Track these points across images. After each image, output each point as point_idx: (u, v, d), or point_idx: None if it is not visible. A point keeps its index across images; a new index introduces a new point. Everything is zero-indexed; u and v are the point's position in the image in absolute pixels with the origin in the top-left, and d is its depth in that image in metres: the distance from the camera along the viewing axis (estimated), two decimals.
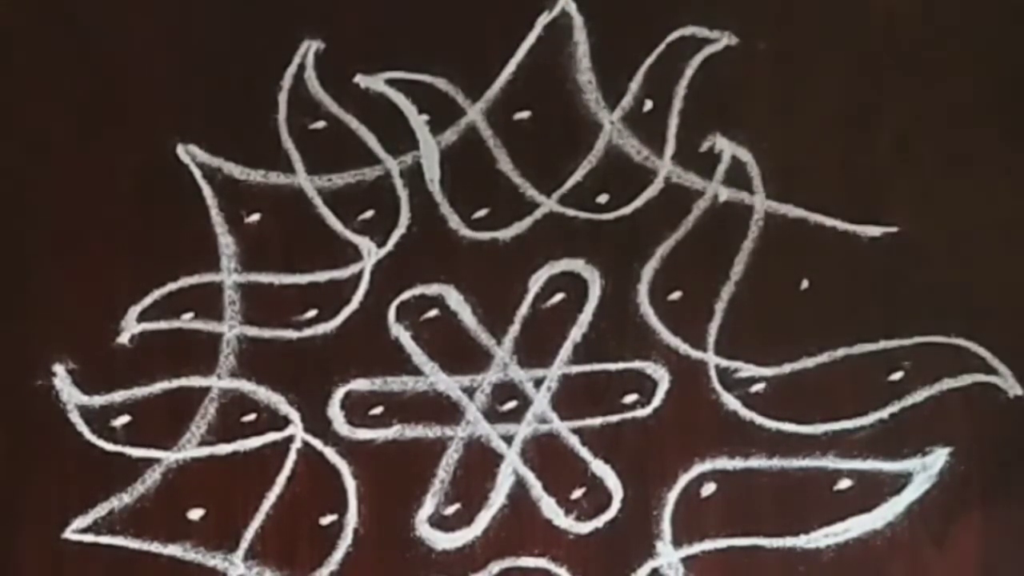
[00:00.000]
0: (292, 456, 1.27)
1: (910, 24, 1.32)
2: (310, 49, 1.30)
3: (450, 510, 1.26)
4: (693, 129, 1.30)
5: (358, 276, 1.29)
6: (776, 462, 1.26)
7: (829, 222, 1.29)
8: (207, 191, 1.29)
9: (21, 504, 1.26)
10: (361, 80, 1.31)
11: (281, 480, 1.26)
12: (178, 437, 1.26)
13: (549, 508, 1.26)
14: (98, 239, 1.29)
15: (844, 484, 1.26)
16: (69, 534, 1.26)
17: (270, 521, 1.26)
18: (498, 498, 1.26)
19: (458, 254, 1.29)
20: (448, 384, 1.28)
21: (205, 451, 1.26)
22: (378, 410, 1.27)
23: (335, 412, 1.27)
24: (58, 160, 1.30)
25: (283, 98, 1.30)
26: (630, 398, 1.28)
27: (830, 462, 1.26)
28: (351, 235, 1.29)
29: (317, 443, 1.27)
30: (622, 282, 1.29)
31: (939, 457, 1.26)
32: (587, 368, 1.28)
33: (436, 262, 1.29)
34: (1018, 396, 1.28)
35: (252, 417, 1.27)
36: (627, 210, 1.29)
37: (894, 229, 1.29)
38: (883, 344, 1.28)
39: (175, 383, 1.27)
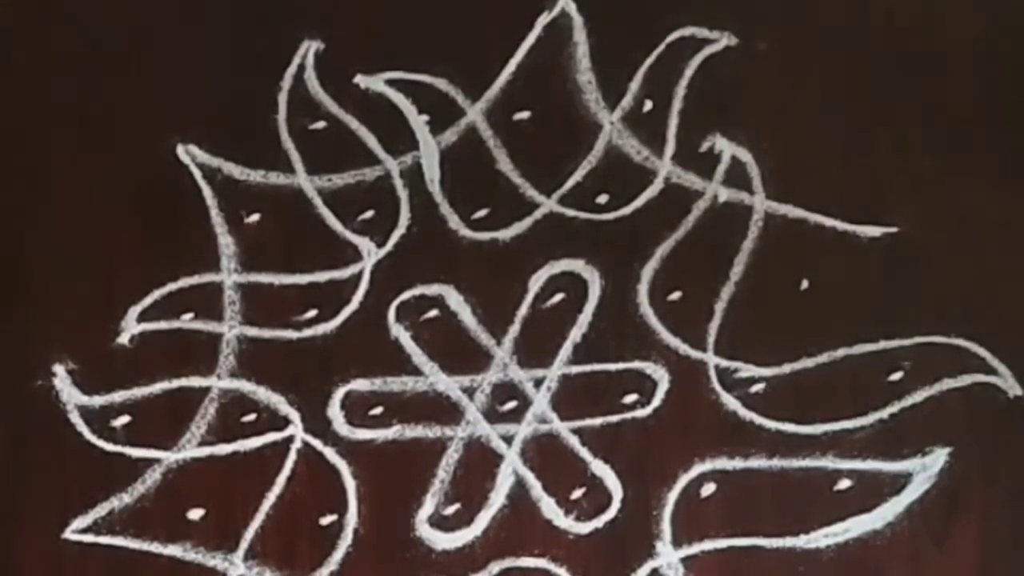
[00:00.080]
0: (292, 456, 1.26)
1: (910, 24, 1.32)
2: (310, 49, 1.30)
3: (450, 510, 1.26)
4: (693, 129, 1.30)
5: (358, 276, 1.29)
6: (776, 462, 1.26)
7: (829, 222, 1.29)
8: (207, 191, 1.29)
9: (21, 504, 1.26)
10: (361, 80, 1.31)
11: (281, 480, 1.26)
12: (178, 437, 1.26)
13: (549, 508, 1.26)
14: (98, 239, 1.29)
15: (844, 484, 1.26)
16: (69, 534, 1.26)
17: (270, 521, 1.26)
18: (498, 498, 1.26)
19: (458, 254, 1.29)
20: (448, 384, 1.27)
21: (205, 451, 1.26)
22: (378, 410, 1.27)
23: (335, 412, 1.27)
24: (58, 160, 1.30)
25: (283, 98, 1.30)
26: (630, 398, 1.27)
27: (830, 462, 1.26)
28: (351, 235, 1.29)
29: (317, 443, 1.27)
30: (622, 282, 1.29)
31: (939, 457, 1.26)
32: (587, 368, 1.28)
33: (436, 262, 1.29)
34: (1018, 396, 1.27)
35: (252, 417, 1.27)
36: (627, 210, 1.29)
37: (894, 229, 1.29)
38: (883, 344, 1.28)
39: (175, 383, 1.27)
